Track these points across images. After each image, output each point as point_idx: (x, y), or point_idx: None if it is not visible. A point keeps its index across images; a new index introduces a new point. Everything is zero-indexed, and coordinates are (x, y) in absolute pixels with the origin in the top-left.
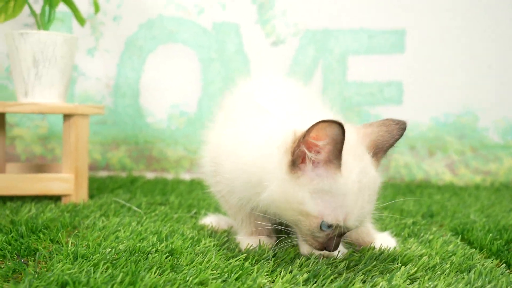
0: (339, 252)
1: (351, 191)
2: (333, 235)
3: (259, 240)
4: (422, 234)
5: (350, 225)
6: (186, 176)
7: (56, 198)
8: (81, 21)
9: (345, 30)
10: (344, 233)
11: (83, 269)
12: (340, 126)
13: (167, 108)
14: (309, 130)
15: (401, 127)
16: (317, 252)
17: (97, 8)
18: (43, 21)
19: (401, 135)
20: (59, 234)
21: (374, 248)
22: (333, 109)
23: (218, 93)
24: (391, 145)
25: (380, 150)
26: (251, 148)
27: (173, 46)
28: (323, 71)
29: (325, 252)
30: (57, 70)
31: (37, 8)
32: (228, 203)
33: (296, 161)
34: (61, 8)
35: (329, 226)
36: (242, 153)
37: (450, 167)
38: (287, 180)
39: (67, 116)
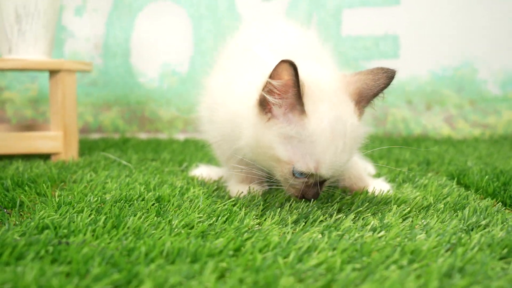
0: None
1: (321, 138)
2: (310, 183)
3: (249, 187)
4: (417, 179)
5: (323, 173)
6: (180, 137)
7: (46, 157)
8: None
9: None
10: (322, 182)
11: (66, 216)
12: (292, 65)
13: (158, 67)
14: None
15: (389, 75)
16: None
17: None
18: None
19: (387, 84)
20: (46, 187)
21: (367, 192)
22: (332, 57)
23: (210, 50)
24: (376, 94)
25: (363, 99)
26: (239, 96)
27: (163, 4)
28: (317, 26)
29: None
30: (40, 25)
31: None
32: (221, 149)
33: (263, 103)
34: None
35: (302, 174)
36: (231, 101)
37: (448, 121)
38: (258, 124)
39: (53, 73)
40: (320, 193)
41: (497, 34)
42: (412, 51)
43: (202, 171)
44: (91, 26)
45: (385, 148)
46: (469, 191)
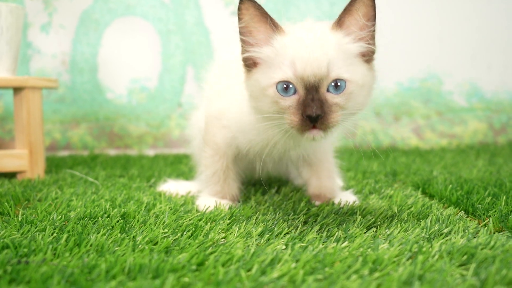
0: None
1: (292, 43)
2: (303, 100)
3: (215, 201)
4: (383, 190)
5: (301, 73)
6: (149, 152)
7: (11, 176)
8: None
9: None
10: (316, 94)
11: (28, 235)
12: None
13: (127, 83)
14: None
15: None
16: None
17: None
18: None
19: None
20: (9, 206)
21: (333, 203)
22: None
23: (179, 66)
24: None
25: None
26: None
27: (130, 19)
28: None
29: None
30: (3, 42)
31: None
32: (215, 150)
33: (248, 63)
34: None
35: (287, 88)
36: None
37: (416, 132)
38: (247, 80)
39: (17, 90)
40: (325, 109)
41: (461, 47)
42: (378, 64)
43: (170, 186)
44: (58, 42)
45: (353, 160)
46: (433, 200)
